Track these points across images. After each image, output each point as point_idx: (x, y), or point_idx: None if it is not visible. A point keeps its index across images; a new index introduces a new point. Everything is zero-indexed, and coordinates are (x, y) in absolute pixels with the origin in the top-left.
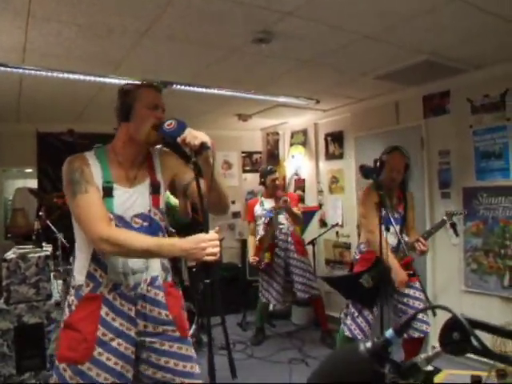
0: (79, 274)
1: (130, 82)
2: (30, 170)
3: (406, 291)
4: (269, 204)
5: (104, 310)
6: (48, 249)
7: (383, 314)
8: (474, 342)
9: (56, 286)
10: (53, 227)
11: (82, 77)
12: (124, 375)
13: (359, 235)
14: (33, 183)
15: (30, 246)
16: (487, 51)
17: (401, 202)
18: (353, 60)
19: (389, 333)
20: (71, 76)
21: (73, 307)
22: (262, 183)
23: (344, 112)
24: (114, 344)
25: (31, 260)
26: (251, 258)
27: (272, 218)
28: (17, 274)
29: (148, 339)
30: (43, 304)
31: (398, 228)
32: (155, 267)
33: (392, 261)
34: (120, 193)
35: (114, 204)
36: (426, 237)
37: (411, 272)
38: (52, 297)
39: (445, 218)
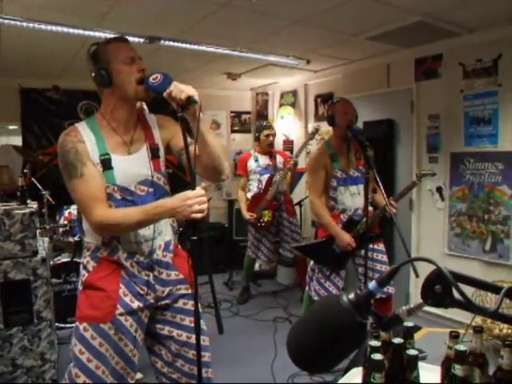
0: (93, 239)
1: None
2: (13, 127)
3: (369, 255)
4: (263, 160)
5: (124, 273)
6: (33, 206)
7: (367, 271)
8: (456, 294)
9: (42, 243)
10: (38, 185)
11: (64, 29)
12: (136, 339)
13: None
14: (17, 140)
15: (14, 204)
16: (482, 15)
17: (360, 158)
18: (345, 20)
19: (372, 285)
20: (54, 28)
21: (89, 268)
22: (257, 138)
23: (335, 73)
24: (134, 306)
25: (16, 217)
26: (247, 214)
27: (273, 177)
28: (1, 230)
29: (164, 302)
30: (29, 260)
31: (361, 188)
32: (166, 231)
33: (331, 226)
34: (119, 162)
35: (116, 175)
36: (398, 198)
37: (377, 234)
38: (38, 253)
39: (415, 180)
